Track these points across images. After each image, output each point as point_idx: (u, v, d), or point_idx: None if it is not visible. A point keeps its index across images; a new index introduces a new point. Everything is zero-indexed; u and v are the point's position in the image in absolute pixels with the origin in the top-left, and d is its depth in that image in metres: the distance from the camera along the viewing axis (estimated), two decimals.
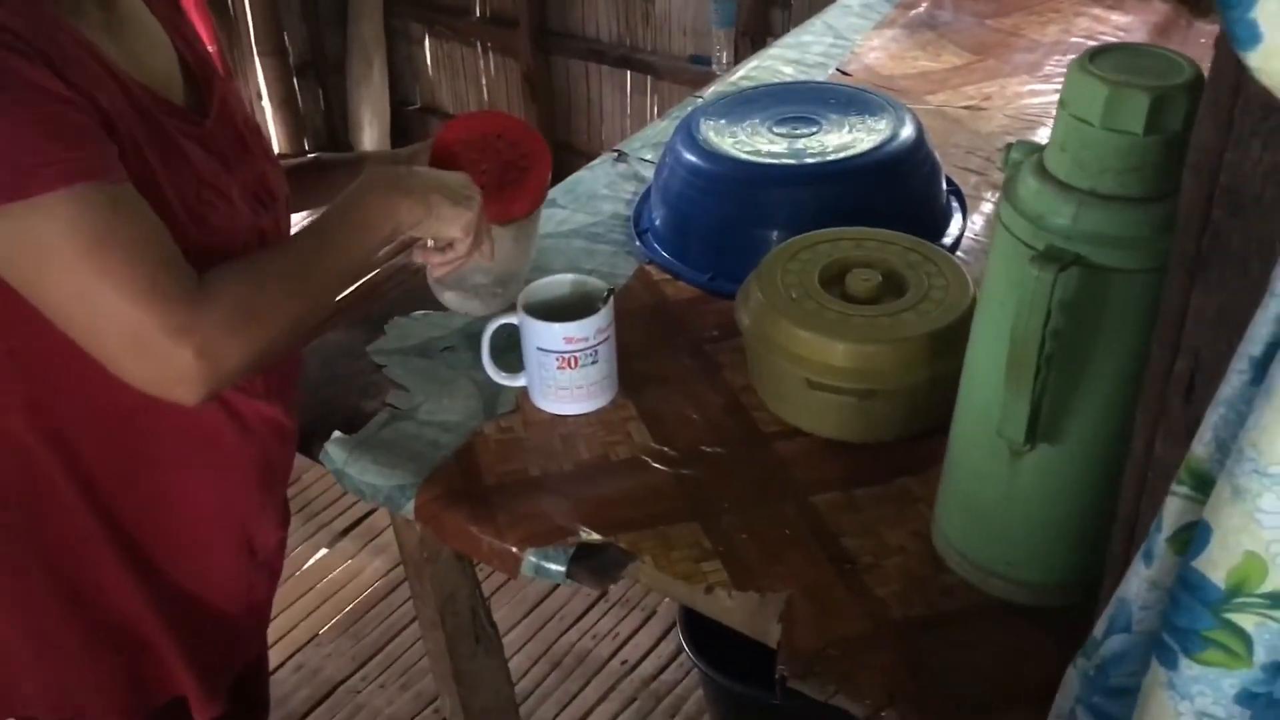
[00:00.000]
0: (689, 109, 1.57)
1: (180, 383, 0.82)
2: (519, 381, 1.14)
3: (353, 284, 0.96)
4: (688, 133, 1.36)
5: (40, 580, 0.96)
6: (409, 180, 0.98)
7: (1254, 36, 0.41)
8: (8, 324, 0.86)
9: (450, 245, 1.02)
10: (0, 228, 0.78)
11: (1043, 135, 1.54)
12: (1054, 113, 0.76)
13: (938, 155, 1.36)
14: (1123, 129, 0.70)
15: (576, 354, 1.08)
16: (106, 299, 0.80)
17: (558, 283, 1.14)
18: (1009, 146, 0.79)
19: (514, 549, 0.99)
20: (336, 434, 1.10)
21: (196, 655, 1.04)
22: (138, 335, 0.81)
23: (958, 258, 1.15)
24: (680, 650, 2.06)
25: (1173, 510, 0.53)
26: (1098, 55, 0.73)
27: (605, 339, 1.09)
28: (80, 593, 0.97)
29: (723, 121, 1.37)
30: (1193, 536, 0.50)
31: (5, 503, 0.94)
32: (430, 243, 1.03)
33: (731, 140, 1.33)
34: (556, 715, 2.04)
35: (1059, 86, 1.79)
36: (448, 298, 1.17)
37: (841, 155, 1.28)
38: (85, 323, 0.82)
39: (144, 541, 0.98)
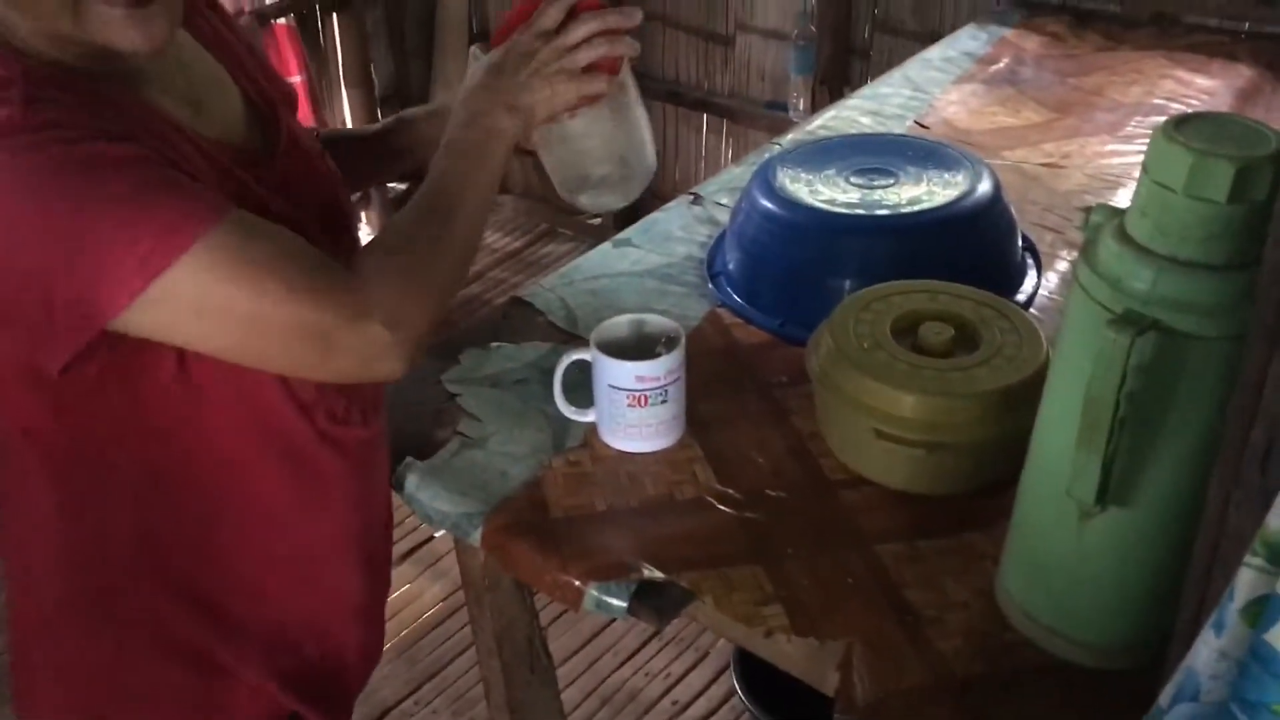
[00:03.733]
0: (766, 155, 1.59)
1: (380, 360, 0.86)
2: (589, 417, 1.16)
3: (489, 208, 0.98)
4: (765, 179, 1.38)
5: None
6: (495, 87, 0.98)
7: None
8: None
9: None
10: (154, 298, 0.78)
11: (1123, 195, 1.53)
12: (1134, 173, 0.76)
13: (1014, 211, 1.37)
14: (1206, 197, 0.71)
15: (647, 393, 1.10)
16: (277, 315, 0.82)
17: (630, 322, 1.16)
18: (1089, 210, 0.80)
19: (577, 582, 1.00)
20: (409, 459, 1.13)
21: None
22: (323, 334, 0.83)
23: (1032, 315, 1.15)
24: (731, 694, 2.05)
25: (1245, 581, 0.53)
26: (1183, 123, 0.74)
27: (676, 379, 1.11)
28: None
29: (800, 170, 1.39)
30: (1265, 609, 0.50)
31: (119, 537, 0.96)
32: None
33: (808, 189, 1.35)
34: None
35: (1140, 147, 1.79)
36: (582, 200, 1.14)
37: (917, 208, 1.29)
38: (264, 347, 0.84)
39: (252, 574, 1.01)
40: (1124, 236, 0.76)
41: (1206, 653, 0.56)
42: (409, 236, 0.91)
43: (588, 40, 1.00)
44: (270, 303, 0.81)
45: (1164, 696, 0.60)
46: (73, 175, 0.77)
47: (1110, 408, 0.75)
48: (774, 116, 3.03)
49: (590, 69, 1.02)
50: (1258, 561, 0.52)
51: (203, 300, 0.80)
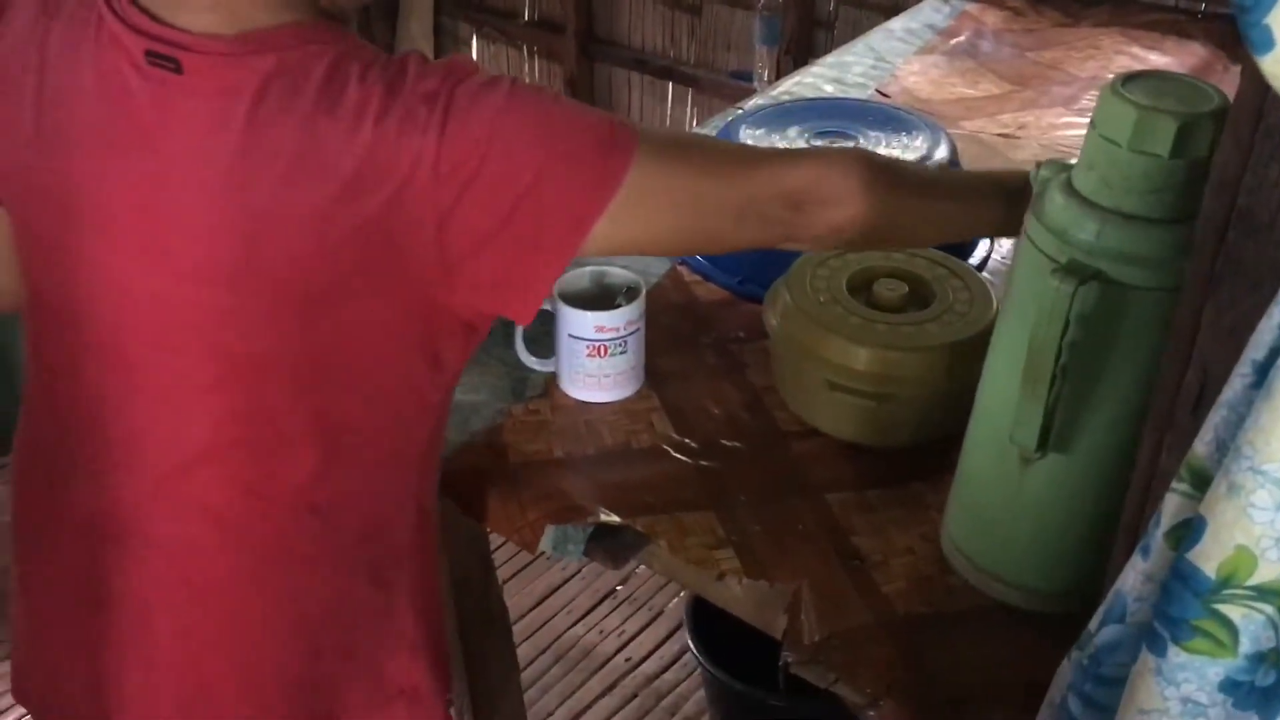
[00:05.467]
0: (729, 118, 1.61)
1: (779, 226, 0.87)
2: (549, 367, 1.18)
3: (949, 238, 1.04)
4: (727, 139, 1.40)
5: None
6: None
7: (1268, 41, 0.44)
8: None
9: None
10: (619, 207, 0.79)
11: None
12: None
13: None
14: (1150, 151, 0.74)
15: (606, 343, 1.11)
16: (729, 188, 0.85)
17: (592, 273, 1.18)
18: (1039, 164, 0.82)
19: (535, 523, 1.02)
20: None
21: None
22: (801, 194, 0.86)
23: (984, 277, 1.18)
24: (684, 652, 2.09)
25: (1171, 506, 0.56)
26: (1130, 80, 0.76)
27: (635, 331, 1.13)
28: None
29: (761, 131, 1.41)
30: (1189, 531, 0.53)
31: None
32: None
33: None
34: (558, 706, 2.07)
35: None
36: None
37: None
38: (720, 225, 0.86)
39: None
40: (1070, 190, 0.79)
41: (1133, 576, 0.59)
42: (909, 171, 0.96)
43: None
44: (710, 180, 0.84)
45: (1093, 621, 0.63)
46: (530, 90, 0.80)
47: (1053, 355, 0.78)
48: (739, 86, 3.05)
49: None
50: (1183, 487, 0.55)
51: (654, 196, 0.82)
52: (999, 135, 1.68)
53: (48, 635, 0.97)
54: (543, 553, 1.04)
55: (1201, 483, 0.53)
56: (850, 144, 1.37)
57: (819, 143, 1.37)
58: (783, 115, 1.45)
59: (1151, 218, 0.75)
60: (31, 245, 0.89)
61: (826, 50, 2.88)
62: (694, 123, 3.31)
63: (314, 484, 0.88)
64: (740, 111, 1.69)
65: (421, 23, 3.67)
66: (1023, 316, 0.81)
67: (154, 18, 0.77)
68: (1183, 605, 0.53)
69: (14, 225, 0.90)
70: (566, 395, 1.16)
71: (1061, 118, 1.73)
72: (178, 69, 0.76)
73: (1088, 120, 0.77)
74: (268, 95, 0.75)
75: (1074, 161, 0.81)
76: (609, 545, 1.02)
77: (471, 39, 3.69)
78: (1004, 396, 0.84)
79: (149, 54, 0.77)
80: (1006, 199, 0.93)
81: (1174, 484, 0.55)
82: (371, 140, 0.75)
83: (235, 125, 0.75)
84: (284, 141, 0.75)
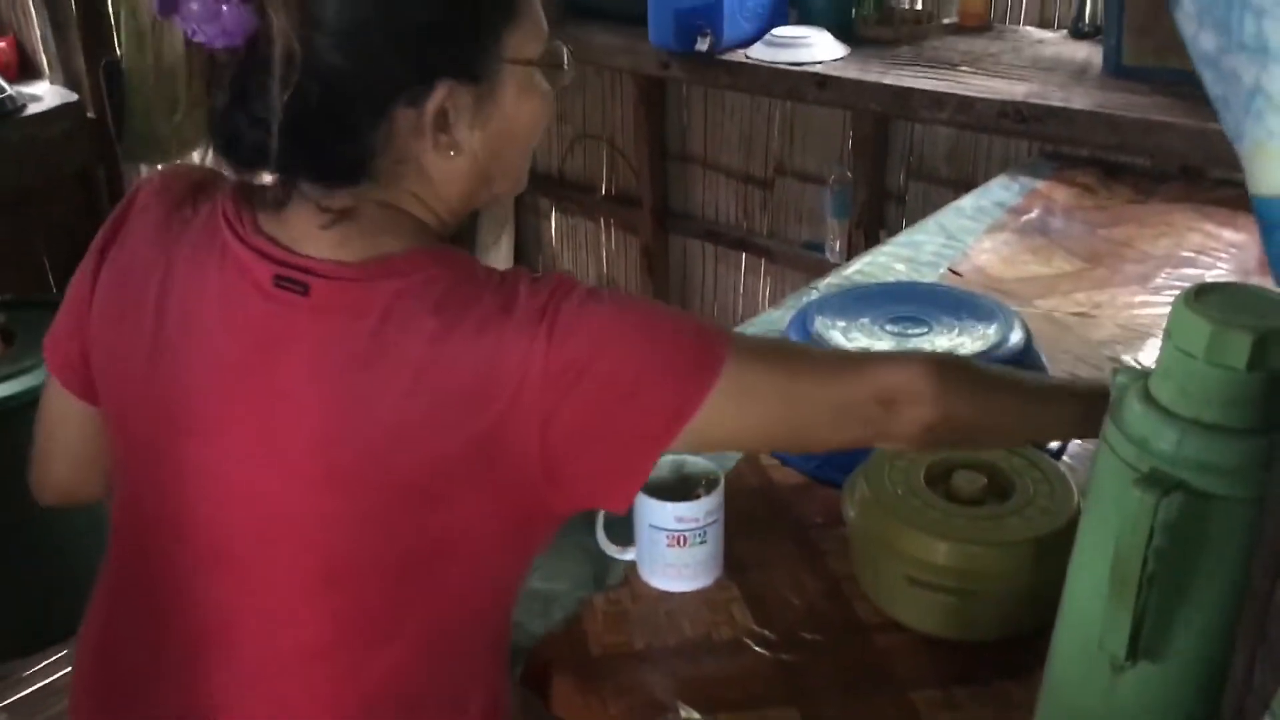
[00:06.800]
0: (803, 300, 1.65)
1: (873, 425, 0.90)
2: (629, 555, 1.19)
3: (1032, 438, 1.08)
4: (802, 325, 1.43)
5: None
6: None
7: None
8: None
9: None
10: (713, 406, 0.83)
11: (1152, 346, 1.57)
12: (1164, 324, 0.80)
13: (1046, 361, 1.41)
14: (1226, 364, 0.74)
15: (686, 533, 1.13)
16: (821, 390, 0.89)
17: (671, 464, 1.20)
18: (1115, 371, 0.83)
19: None
20: None
21: None
22: (892, 392, 0.89)
23: (1063, 463, 1.17)
24: None
25: None
26: (1202, 293, 0.78)
27: (714, 521, 1.14)
28: None
29: (836, 317, 1.44)
30: None
31: None
32: None
33: (844, 336, 1.39)
34: None
35: (1168, 299, 1.82)
36: None
37: None
38: (814, 423, 0.90)
39: None
40: (1148, 398, 0.79)
41: None
42: (989, 373, 0.98)
43: None
44: (803, 383, 0.88)
45: None
46: (629, 299, 0.86)
47: (1138, 564, 0.77)
48: (811, 257, 3.11)
49: None
50: None
51: (752, 394, 0.86)
52: (1074, 314, 1.69)
53: None
54: None
55: None
56: (923, 330, 1.39)
57: (892, 328, 1.40)
58: (855, 301, 1.48)
59: (1231, 428, 0.76)
60: (130, 447, 0.93)
61: (897, 222, 2.95)
62: (767, 292, 3.37)
63: (403, 677, 0.90)
64: (814, 293, 1.73)
65: (502, 200, 3.83)
66: (1105, 521, 0.81)
67: (280, 245, 0.84)
68: None
69: (112, 427, 0.95)
70: (647, 584, 1.17)
71: (1137, 296, 1.74)
72: (305, 292, 0.82)
73: (1162, 299, 0.78)
74: (392, 315, 0.80)
75: (1151, 367, 0.82)
76: None
77: (550, 213, 3.83)
78: (1091, 602, 0.83)
79: (277, 278, 0.83)
80: (1085, 402, 0.94)
81: (1265, 717, 0.55)
82: (490, 355, 0.80)
83: (360, 342, 0.81)
84: (407, 358, 0.80)
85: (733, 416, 0.86)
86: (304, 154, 0.83)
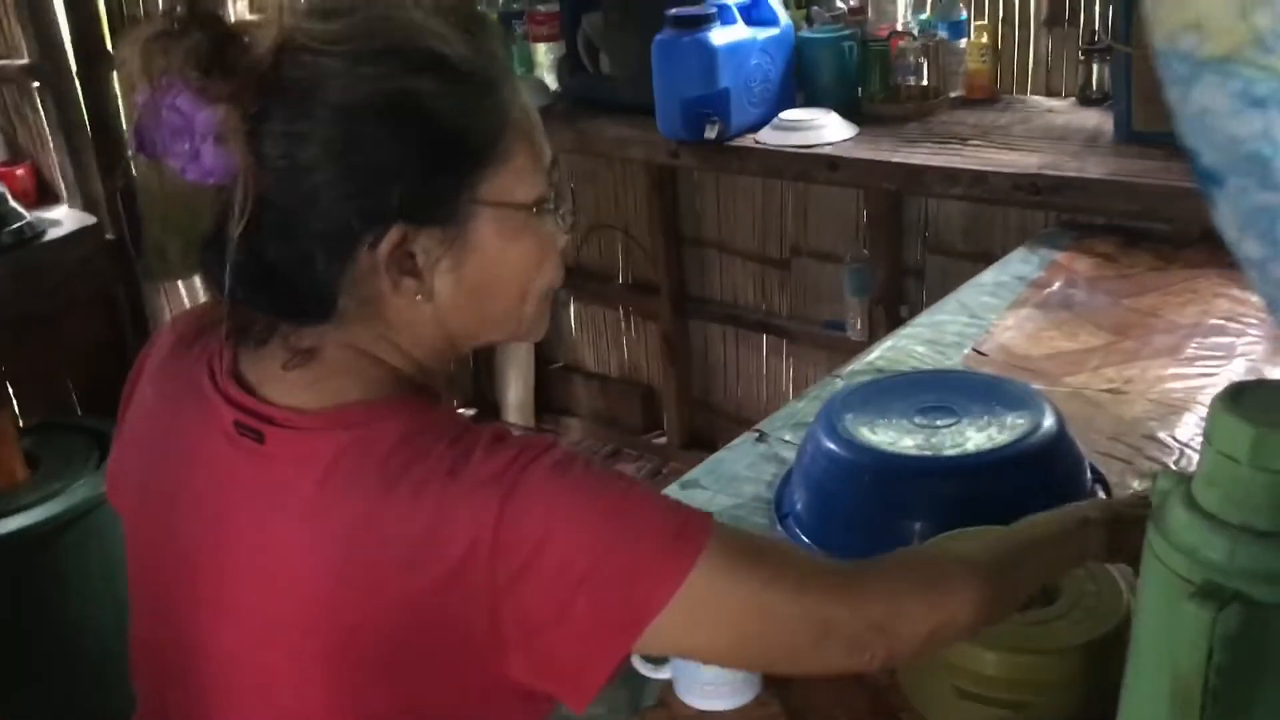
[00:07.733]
0: (828, 390, 1.62)
1: (861, 655, 0.84)
2: (664, 674, 1.15)
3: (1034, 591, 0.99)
4: (828, 421, 1.40)
5: None
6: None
7: None
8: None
9: None
10: (679, 609, 0.77)
11: (1189, 421, 1.52)
12: (1198, 398, 0.78)
13: (1080, 444, 1.37)
14: (1273, 469, 0.71)
15: None
16: (787, 605, 0.81)
17: None
18: (1155, 476, 0.80)
19: None
20: None
21: None
22: (824, 622, 0.82)
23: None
24: None
25: None
26: (1239, 393, 0.75)
27: None
28: None
29: (862, 411, 1.41)
30: None
31: None
32: None
33: (870, 430, 1.36)
34: None
35: (1202, 370, 1.77)
36: None
37: (982, 449, 1.30)
38: (803, 644, 0.83)
39: None
40: (1193, 504, 0.76)
41: None
42: (944, 556, 0.92)
43: None
44: (779, 593, 0.80)
45: None
46: (601, 477, 0.80)
47: (1200, 681, 0.73)
48: (833, 336, 3.09)
49: None
50: None
51: (718, 600, 0.79)
52: (1104, 391, 1.66)
53: None
54: None
55: None
56: (952, 420, 1.36)
57: (920, 420, 1.37)
58: (881, 394, 1.45)
59: None
60: (138, 589, 0.96)
61: (918, 297, 2.93)
62: (791, 374, 3.34)
63: None
64: (838, 381, 1.71)
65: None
66: (1158, 635, 0.77)
67: (248, 389, 0.84)
68: None
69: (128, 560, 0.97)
70: (684, 704, 1.13)
71: (1168, 369, 1.70)
72: (261, 440, 0.82)
73: (1195, 370, 0.75)
74: (338, 468, 0.79)
75: (1192, 471, 0.79)
76: None
77: (569, 302, 3.84)
78: (1150, 717, 0.80)
79: (237, 425, 0.83)
80: (1106, 526, 0.92)
81: None
82: (427, 520, 0.77)
83: (303, 495, 0.80)
84: (347, 514, 0.78)
85: (700, 623, 0.79)
86: (266, 289, 0.82)
